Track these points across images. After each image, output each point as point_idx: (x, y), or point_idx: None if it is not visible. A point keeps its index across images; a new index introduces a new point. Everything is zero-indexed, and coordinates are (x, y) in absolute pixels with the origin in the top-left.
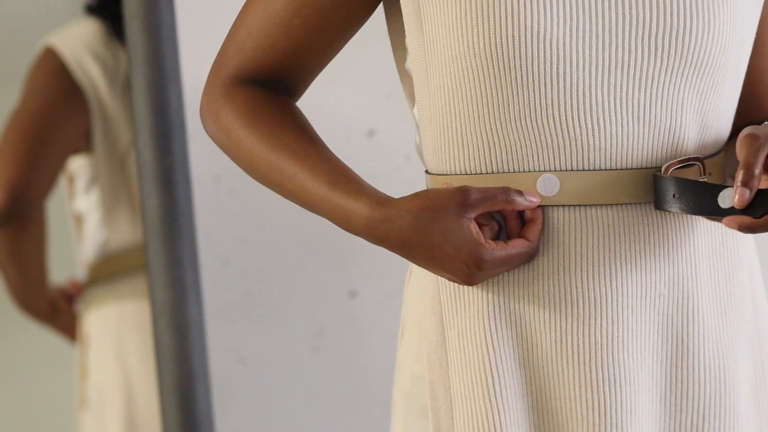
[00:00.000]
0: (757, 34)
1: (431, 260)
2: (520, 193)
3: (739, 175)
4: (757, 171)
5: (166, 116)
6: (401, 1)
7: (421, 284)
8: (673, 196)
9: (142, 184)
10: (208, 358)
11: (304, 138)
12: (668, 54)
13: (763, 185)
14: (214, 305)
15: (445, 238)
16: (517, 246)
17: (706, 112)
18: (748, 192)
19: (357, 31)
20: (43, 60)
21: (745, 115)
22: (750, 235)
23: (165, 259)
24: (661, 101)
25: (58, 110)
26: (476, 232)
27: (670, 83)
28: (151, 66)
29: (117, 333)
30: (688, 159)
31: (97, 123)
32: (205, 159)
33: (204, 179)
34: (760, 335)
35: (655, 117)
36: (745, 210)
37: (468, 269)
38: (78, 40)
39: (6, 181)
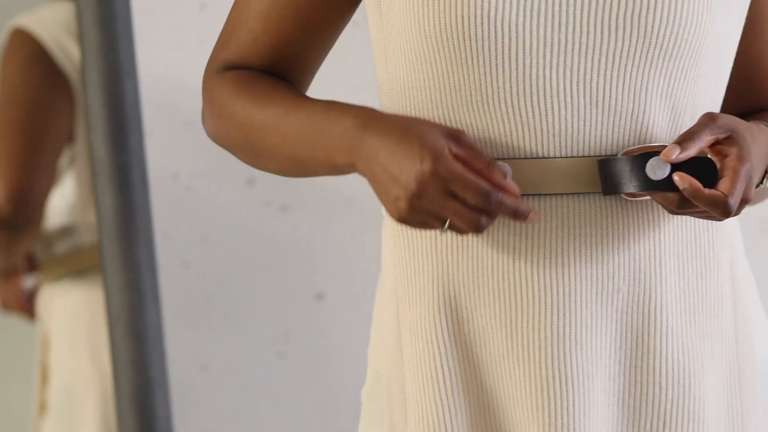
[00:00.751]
0: (753, 18)
1: (395, 138)
2: (503, 174)
3: (678, 137)
4: (696, 138)
5: (121, 111)
6: None
7: (383, 276)
8: (606, 178)
9: (96, 182)
10: (166, 365)
11: (298, 93)
12: (630, 35)
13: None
14: (173, 309)
15: (417, 127)
16: (479, 180)
17: (677, 99)
18: (678, 149)
19: (342, 24)
20: (17, 45)
21: (743, 102)
22: (735, 233)
23: (121, 261)
24: (623, 85)
25: (47, 100)
26: (448, 150)
27: (632, 66)
28: (105, 58)
29: (90, 328)
30: (650, 147)
31: (80, 109)
32: (163, 156)
33: (161, 177)
34: (739, 338)
35: (616, 102)
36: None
37: (421, 163)
38: (55, 22)
39: (7, 186)
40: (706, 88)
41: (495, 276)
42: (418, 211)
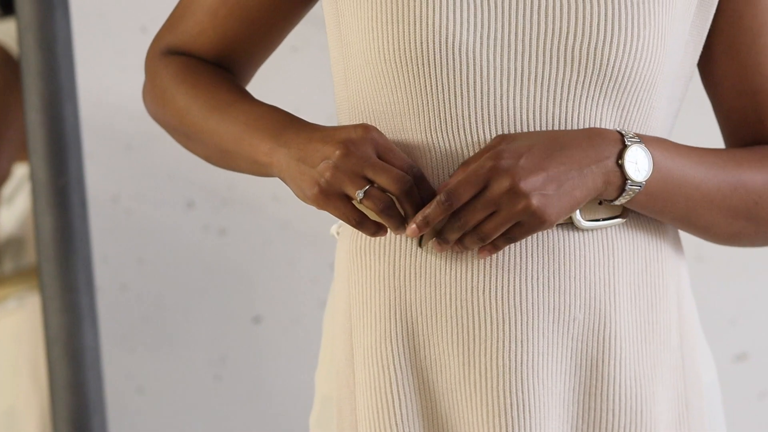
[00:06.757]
0: (743, 50)
1: (319, 133)
2: (415, 202)
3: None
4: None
5: (61, 133)
6: (323, 4)
7: (336, 298)
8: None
9: (35, 203)
10: (104, 387)
11: (238, 88)
12: (584, 66)
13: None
14: (111, 331)
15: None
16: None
17: (630, 129)
18: (415, 228)
19: (289, 27)
20: None
21: (747, 133)
22: (683, 264)
23: (59, 283)
24: (577, 115)
25: (11, 102)
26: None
27: (587, 97)
28: (45, 81)
29: (33, 349)
30: None
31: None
32: (102, 178)
33: (100, 199)
34: (686, 366)
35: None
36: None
37: (354, 130)
38: (7, 36)
39: None
40: (660, 117)
41: (453, 304)
42: (342, 172)
